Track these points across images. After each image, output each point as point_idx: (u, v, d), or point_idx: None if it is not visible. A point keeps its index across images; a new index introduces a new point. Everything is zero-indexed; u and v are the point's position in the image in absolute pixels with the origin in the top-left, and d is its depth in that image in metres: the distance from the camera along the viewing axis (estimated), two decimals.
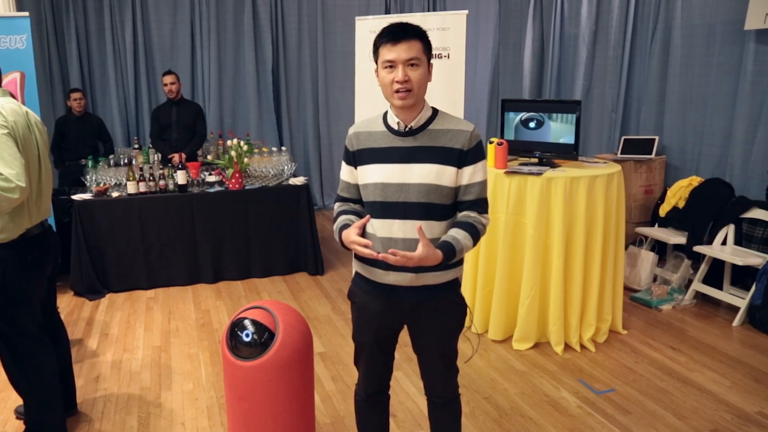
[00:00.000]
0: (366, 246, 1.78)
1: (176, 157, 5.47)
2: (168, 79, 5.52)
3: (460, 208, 1.92)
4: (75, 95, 5.74)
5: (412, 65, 1.80)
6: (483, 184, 1.91)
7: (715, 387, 3.20)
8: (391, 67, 1.81)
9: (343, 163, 2.02)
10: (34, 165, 2.52)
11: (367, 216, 1.87)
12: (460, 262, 1.99)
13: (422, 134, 1.88)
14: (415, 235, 1.85)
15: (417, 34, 1.82)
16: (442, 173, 1.85)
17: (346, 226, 1.90)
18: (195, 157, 5.74)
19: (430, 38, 1.89)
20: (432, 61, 1.90)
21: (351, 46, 6.67)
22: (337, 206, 2.06)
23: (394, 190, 1.87)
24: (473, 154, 1.88)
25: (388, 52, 1.80)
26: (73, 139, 5.78)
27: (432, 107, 1.93)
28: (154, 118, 5.72)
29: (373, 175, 1.90)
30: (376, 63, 1.87)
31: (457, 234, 1.85)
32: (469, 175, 1.88)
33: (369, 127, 1.95)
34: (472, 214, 1.90)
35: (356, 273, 2.04)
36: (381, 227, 1.89)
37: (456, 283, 2.00)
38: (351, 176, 1.99)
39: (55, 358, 2.70)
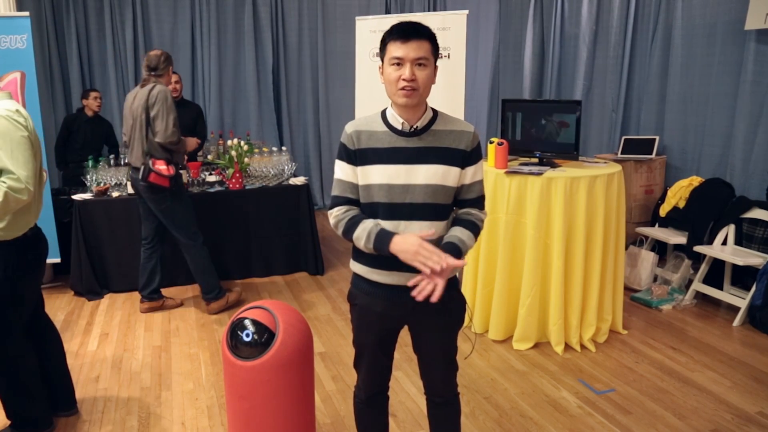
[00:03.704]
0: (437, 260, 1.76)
1: None
2: (174, 78, 5.52)
3: (461, 205, 1.96)
4: (95, 94, 5.71)
5: (420, 65, 1.80)
6: (482, 182, 1.98)
7: (715, 387, 3.20)
8: (398, 64, 1.80)
9: (342, 163, 1.93)
10: (37, 168, 2.57)
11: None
12: None
13: (426, 134, 1.88)
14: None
15: (427, 34, 1.82)
16: (447, 173, 1.87)
17: (385, 231, 1.84)
18: (195, 157, 5.74)
19: None
20: (437, 63, 1.90)
21: (351, 46, 6.67)
22: (342, 211, 1.91)
23: (399, 191, 1.86)
24: (475, 155, 1.93)
25: (397, 50, 1.80)
26: (80, 140, 5.74)
27: (432, 108, 1.93)
28: None
29: (376, 176, 1.87)
30: (382, 60, 1.86)
31: (462, 234, 1.88)
32: (471, 174, 1.92)
33: (369, 126, 1.91)
34: (473, 211, 1.95)
35: (355, 274, 2.03)
36: (387, 228, 1.88)
37: (455, 280, 2.02)
38: (353, 175, 1.92)
39: (34, 356, 2.73)
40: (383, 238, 1.83)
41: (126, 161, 4.35)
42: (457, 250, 1.84)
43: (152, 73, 4.00)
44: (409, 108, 1.85)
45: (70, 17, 6.38)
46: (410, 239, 1.79)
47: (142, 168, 3.91)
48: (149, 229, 4.24)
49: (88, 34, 6.53)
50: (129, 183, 4.37)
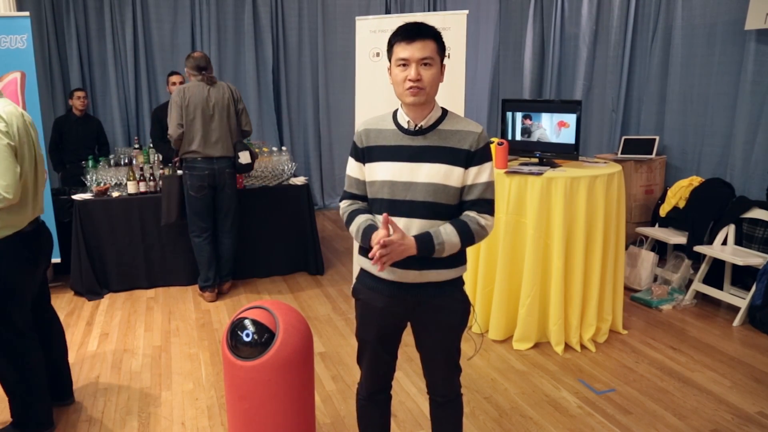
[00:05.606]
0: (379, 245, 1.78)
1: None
2: (177, 78, 5.54)
3: (462, 208, 1.92)
4: (79, 93, 5.79)
5: (425, 64, 1.82)
6: (487, 185, 1.90)
7: (715, 387, 3.20)
8: (404, 65, 1.83)
9: (351, 160, 2.01)
10: (32, 164, 2.59)
11: (385, 214, 1.84)
12: (464, 261, 1.99)
13: (432, 134, 1.89)
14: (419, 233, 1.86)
15: (432, 34, 1.84)
16: (450, 173, 1.86)
17: (371, 227, 1.88)
18: None
19: None
20: (444, 62, 1.91)
21: (351, 46, 6.67)
22: (347, 204, 2.01)
23: (401, 188, 1.88)
24: (480, 156, 1.89)
25: (403, 50, 1.82)
26: (73, 140, 5.76)
27: (442, 108, 1.95)
28: (156, 119, 5.68)
29: (381, 173, 1.91)
30: (390, 60, 1.89)
31: (443, 228, 1.86)
32: (473, 175, 1.88)
33: (379, 124, 1.96)
34: (471, 213, 1.89)
35: (361, 269, 2.05)
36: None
37: (459, 281, 2.01)
38: (360, 172, 1.98)
39: (42, 354, 2.76)
40: (367, 233, 1.88)
41: (196, 154, 4.35)
42: (425, 236, 1.83)
43: (203, 72, 4.45)
44: (416, 107, 1.87)
45: (70, 17, 6.38)
46: (383, 233, 1.81)
47: (236, 158, 4.44)
48: (210, 222, 4.55)
49: (88, 34, 6.53)
50: (201, 174, 4.35)
